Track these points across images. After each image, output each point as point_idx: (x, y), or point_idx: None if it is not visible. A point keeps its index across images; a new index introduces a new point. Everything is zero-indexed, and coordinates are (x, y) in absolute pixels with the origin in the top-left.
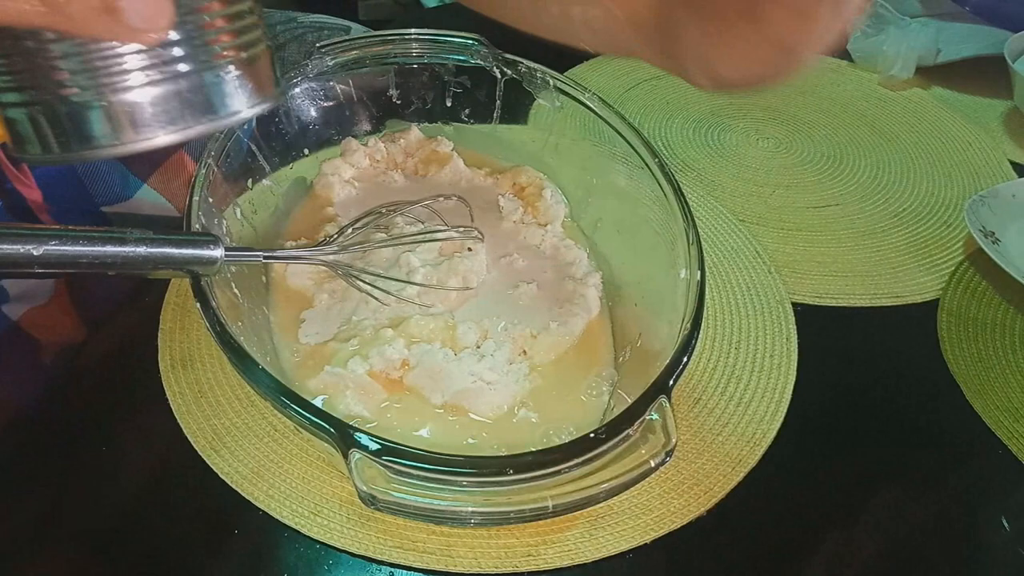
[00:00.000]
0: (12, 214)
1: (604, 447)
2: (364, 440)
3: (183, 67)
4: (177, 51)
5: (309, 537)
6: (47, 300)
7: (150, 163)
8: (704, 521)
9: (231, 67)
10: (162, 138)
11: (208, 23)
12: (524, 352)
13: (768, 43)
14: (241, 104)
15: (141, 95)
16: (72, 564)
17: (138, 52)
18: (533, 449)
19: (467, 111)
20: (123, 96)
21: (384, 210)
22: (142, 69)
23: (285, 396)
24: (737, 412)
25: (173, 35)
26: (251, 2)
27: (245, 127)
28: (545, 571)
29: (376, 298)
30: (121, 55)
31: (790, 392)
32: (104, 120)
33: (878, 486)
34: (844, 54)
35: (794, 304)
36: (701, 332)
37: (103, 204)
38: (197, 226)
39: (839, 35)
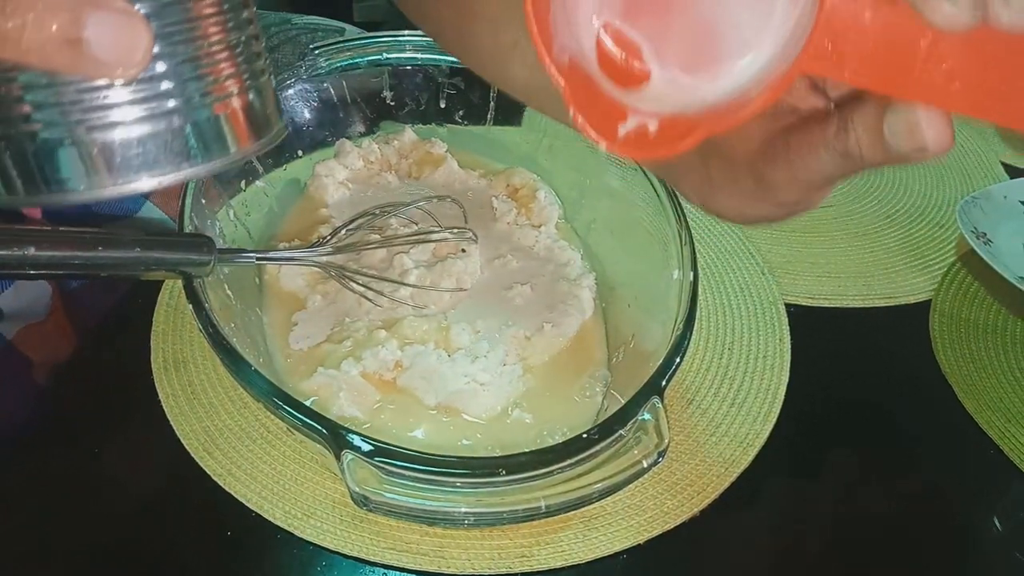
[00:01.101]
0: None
1: (597, 447)
2: (356, 441)
3: (172, 103)
4: (165, 85)
5: (302, 539)
6: (44, 317)
7: None
8: (697, 522)
9: (229, 103)
10: (144, 182)
11: (204, 53)
12: (518, 353)
13: (769, 202)
14: (238, 145)
15: (120, 134)
16: (66, 566)
17: (117, 86)
18: (526, 450)
19: (461, 112)
20: (98, 135)
21: (378, 211)
22: (122, 105)
23: (278, 397)
24: (730, 413)
25: (160, 67)
26: (256, 27)
27: None
28: (539, 572)
29: (369, 299)
30: (96, 89)
31: (783, 393)
32: (75, 161)
33: (870, 487)
34: None
35: (787, 305)
36: (694, 333)
37: (107, 220)
38: (190, 227)
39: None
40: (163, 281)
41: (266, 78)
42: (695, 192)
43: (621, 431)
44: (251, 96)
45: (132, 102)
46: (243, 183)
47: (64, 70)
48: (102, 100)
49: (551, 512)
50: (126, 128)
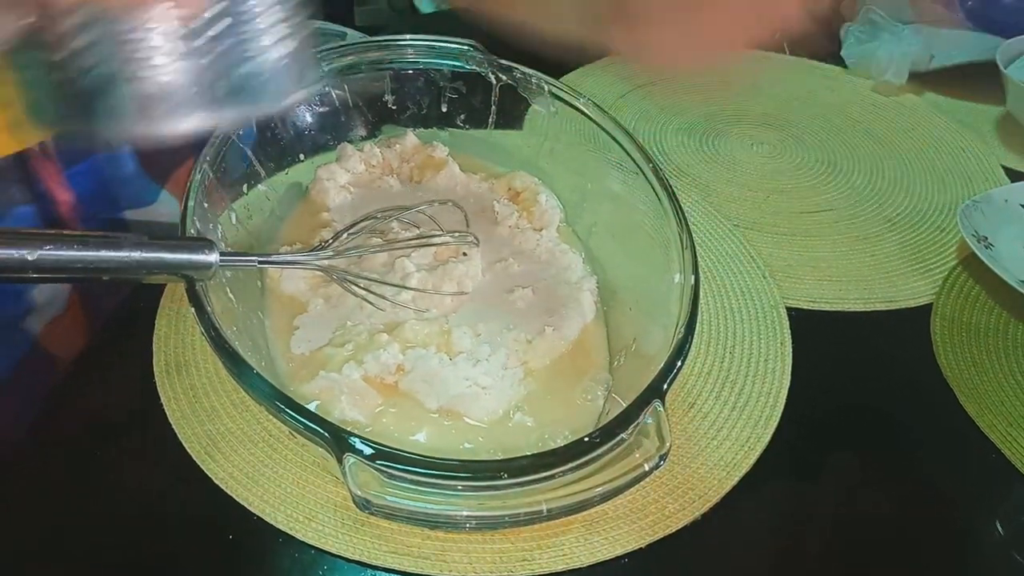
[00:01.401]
0: (42, 218)
1: (599, 451)
2: (358, 444)
3: (224, 45)
4: (219, 27)
5: (304, 542)
6: (63, 310)
7: (165, 168)
8: (699, 526)
9: (277, 48)
10: (194, 122)
11: (255, 2)
12: (519, 357)
13: (695, 27)
14: (282, 90)
15: (173, 74)
16: (67, 568)
17: (172, 28)
18: (528, 453)
19: (462, 116)
20: (151, 73)
21: (379, 215)
22: (176, 46)
23: (280, 401)
24: (731, 417)
25: (216, 9)
26: None
27: (242, 131)
28: None
29: (371, 303)
30: (154, 27)
31: (784, 397)
32: (128, 97)
33: (872, 491)
34: (838, 60)
35: (788, 309)
36: (695, 336)
37: (128, 208)
38: (192, 230)
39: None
40: (165, 284)
41: (308, 31)
42: (626, 40)
43: (623, 435)
44: (296, 46)
45: (186, 42)
46: (245, 186)
47: (129, 5)
48: (158, 40)
49: (553, 516)
50: (179, 68)
